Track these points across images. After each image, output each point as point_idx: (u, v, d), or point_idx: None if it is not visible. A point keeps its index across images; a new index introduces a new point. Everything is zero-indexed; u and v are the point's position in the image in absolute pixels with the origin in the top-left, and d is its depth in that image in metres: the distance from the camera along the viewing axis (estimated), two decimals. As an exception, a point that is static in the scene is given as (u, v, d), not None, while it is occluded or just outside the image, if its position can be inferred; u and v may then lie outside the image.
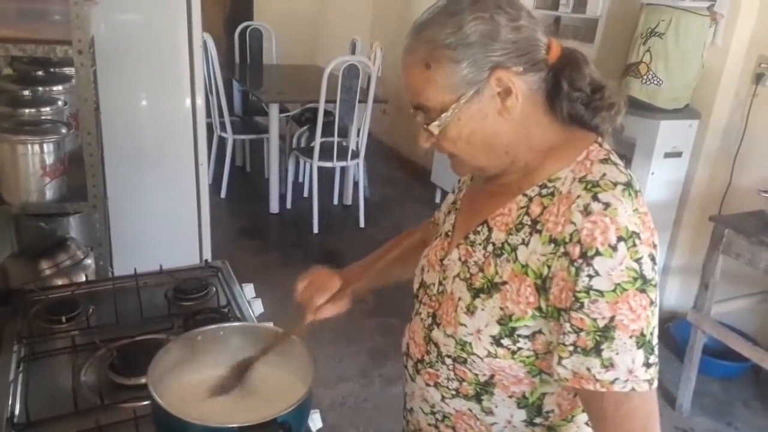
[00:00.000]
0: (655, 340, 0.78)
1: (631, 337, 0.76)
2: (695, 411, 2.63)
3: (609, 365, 0.77)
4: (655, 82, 2.83)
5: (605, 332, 0.76)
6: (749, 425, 2.60)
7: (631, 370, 0.76)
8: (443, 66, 0.81)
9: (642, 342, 0.76)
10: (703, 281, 2.45)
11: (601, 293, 0.76)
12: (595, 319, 0.76)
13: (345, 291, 1.07)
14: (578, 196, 0.79)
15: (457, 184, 1.11)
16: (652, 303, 0.77)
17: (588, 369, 0.78)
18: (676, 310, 3.16)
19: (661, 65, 2.80)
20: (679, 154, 2.98)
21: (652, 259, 0.78)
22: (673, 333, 2.97)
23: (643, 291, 0.76)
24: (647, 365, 0.77)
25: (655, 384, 0.78)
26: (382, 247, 1.19)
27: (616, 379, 0.77)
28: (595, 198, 0.78)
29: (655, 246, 0.79)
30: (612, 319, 0.76)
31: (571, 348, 0.79)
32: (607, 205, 0.77)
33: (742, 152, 2.86)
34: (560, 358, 0.80)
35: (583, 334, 0.77)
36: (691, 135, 2.97)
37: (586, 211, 0.78)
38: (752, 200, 2.52)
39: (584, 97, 0.88)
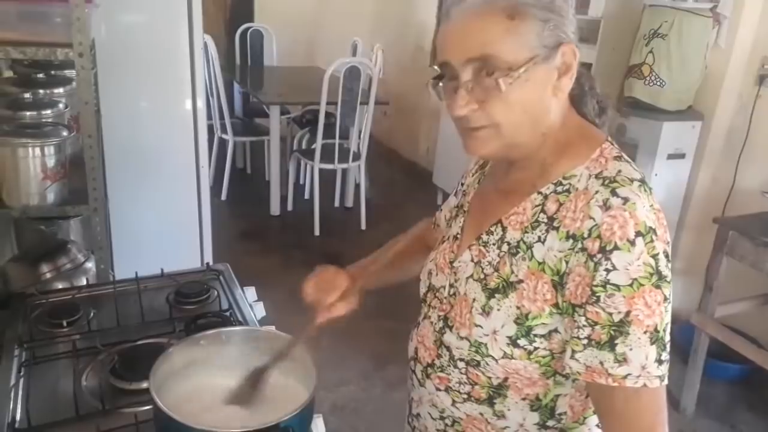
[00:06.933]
0: (667, 337, 0.79)
1: (645, 332, 0.76)
2: (699, 414, 2.62)
3: (622, 360, 0.77)
4: (658, 83, 2.82)
5: (620, 327, 0.76)
6: (753, 428, 2.59)
7: (644, 365, 0.77)
8: (528, 20, 0.78)
9: (656, 338, 0.77)
10: (707, 283, 2.44)
11: (617, 287, 0.76)
12: (610, 314, 0.76)
13: (353, 288, 1.05)
14: (596, 192, 0.79)
15: (459, 187, 1.09)
16: (666, 299, 0.78)
17: (601, 363, 0.78)
18: (678, 312, 3.14)
19: (663, 66, 2.80)
20: (682, 156, 2.98)
21: (666, 255, 0.78)
22: (677, 335, 2.93)
23: (658, 287, 0.76)
24: (659, 361, 0.77)
25: (666, 381, 0.79)
26: (383, 247, 1.18)
27: (629, 374, 0.77)
28: (613, 193, 0.78)
29: (668, 243, 0.79)
30: (628, 314, 0.76)
31: (585, 341, 0.79)
32: (626, 200, 0.77)
33: (745, 154, 2.85)
34: (573, 351, 0.80)
35: (598, 327, 0.77)
36: (694, 136, 2.96)
37: (606, 206, 0.78)
38: (756, 202, 2.51)
39: (598, 95, 0.90)
